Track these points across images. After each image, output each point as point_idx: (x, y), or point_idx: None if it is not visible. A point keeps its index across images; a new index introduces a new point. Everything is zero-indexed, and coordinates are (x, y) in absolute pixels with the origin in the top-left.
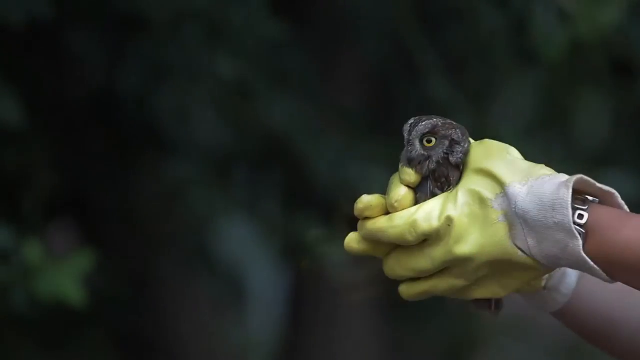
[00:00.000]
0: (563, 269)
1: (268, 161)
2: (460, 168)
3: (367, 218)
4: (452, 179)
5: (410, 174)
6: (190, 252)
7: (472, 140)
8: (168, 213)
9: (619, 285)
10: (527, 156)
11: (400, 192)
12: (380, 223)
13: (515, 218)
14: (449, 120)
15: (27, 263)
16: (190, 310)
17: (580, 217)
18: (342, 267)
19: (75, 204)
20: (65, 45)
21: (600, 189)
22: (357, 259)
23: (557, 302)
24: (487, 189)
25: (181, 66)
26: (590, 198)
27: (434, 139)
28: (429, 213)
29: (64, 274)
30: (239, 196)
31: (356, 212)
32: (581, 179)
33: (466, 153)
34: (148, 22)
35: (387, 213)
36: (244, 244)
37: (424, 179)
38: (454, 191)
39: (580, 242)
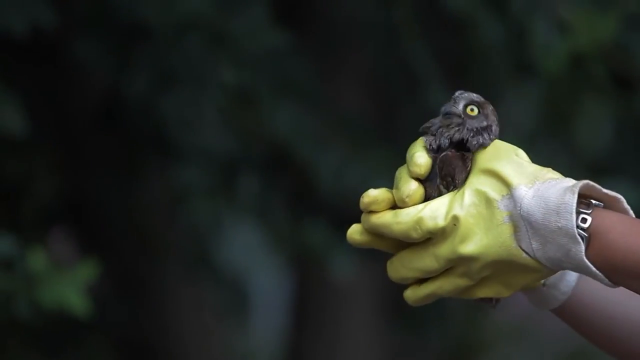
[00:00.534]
0: None
1: (272, 168)
2: (468, 167)
3: (372, 211)
4: (457, 179)
5: (421, 166)
6: (193, 259)
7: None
8: (171, 220)
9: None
10: None
11: (411, 187)
12: (385, 218)
13: (520, 220)
14: (494, 109)
15: (30, 271)
16: (193, 317)
17: (584, 220)
18: (349, 272)
19: (78, 211)
20: (69, 53)
21: (606, 194)
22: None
23: (557, 300)
24: (493, 190)
25: (185, 74)
26: (595, 202)
27: (477, 110)
28: (435, 211)
29: (67, 282)
30: (244, 202)
31: (362, 206)
32: (587, 184)
33: (486, 145)
34: (152, 30)
35: (393, 207)
36: (248, 250)
37: (432, 171)
38: (461, 190)
39: (583, 247)
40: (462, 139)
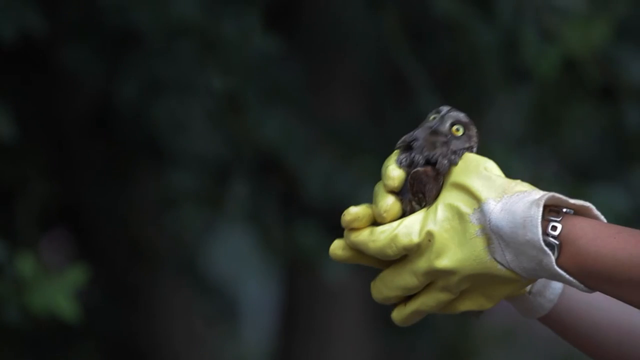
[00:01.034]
0: None
1: (262, 173)
2: (440, 181)
3: (353, 229)
4: (428, 196)
5: (394, 179)
6: (182, 265)
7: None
8: (161, 226)
9: None
10: (517, 171)
11: (387, 201)
12: (362, 236)
13: (491, 233)
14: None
15: (20, 276)
16: (184, 323)
17: (554, 228)
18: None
19: (69, 217)
20: (59, 60)
21: (574, 204)
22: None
23: (544, 307)
24: (465, 204)
25: (175, 80)
26: (566, 210)
27: (462, 131)
28: (409, 228)
29: (57, 287)
30: (234, 206)
31: (343, 224)
32: (552, 196)
33: (456, 164)
34: (142, 36)
35: (375, 223)
36: (237, 257)
37: (405, 185)
38: (434, 205)
39: (552, 258)
40: (417, 180)
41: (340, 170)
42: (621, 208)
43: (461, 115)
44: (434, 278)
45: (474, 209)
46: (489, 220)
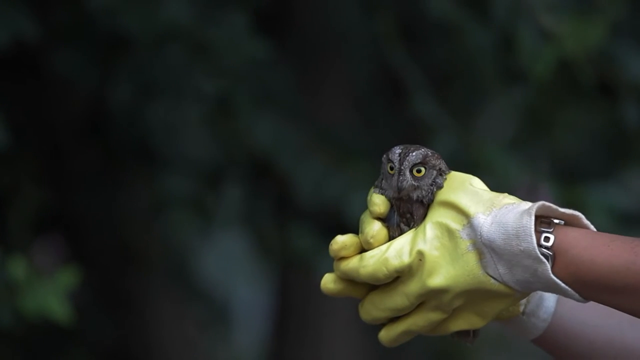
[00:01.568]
0: (540, 293)
1: (255, 177)
2: (425, 204)
3: (342, 258)
4: (416, 215)
5: (379, 204)
6: (174, 270)
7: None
8: (154, 230)
9: (598, 307)
10: (512, 172)
11: (374, 227)
12: (352, 263)
13: (483, 247)
14: (433, 150)
15: (12, 280)
16: (176, 327)
17: (547, 239)
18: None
19: (61, 221)
20: (51, 65)
21: (564, 213)
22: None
23: (538, 328)
24: (453, 221)
25: (166, 84)
26: (556, 220)
27: (423, 169)
28: (399, 250)
29: (49, 290)
30: (227, 211)
31: (331, 253)
32: (543, 205)
33: (441, 188)
34: (133, 41)
35: (362, 250)
36: (230, 260)
37: (391, 210)
38: (422, 225)
39: (548, 266)
40: (421, 200)
41: (333, 173)
42: (616, 207)
43: (412, 157)
44: (427, 298)
45: (463, 224)
46: (480, 235)
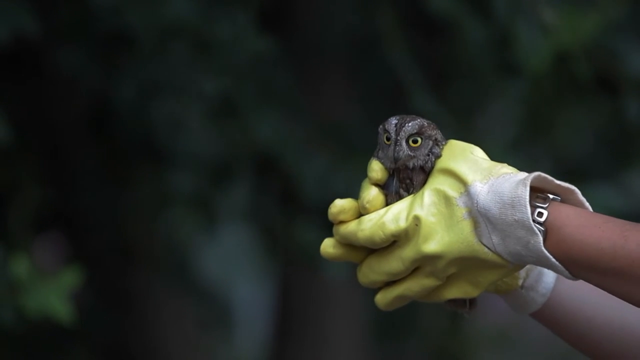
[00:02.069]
0: (539, 268)
1: (259, 174)
2: (426, 171)
3: (341, 222)
4: (415, 181)
5: (377, 170)
6: (176, 269)
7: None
8: (156, 229)
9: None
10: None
11: (371, 193)
12: (351, 227)
13: (478, 216)
14: (429, 121)
15: (14, 279)
16: (177, 327)
17: (540, 215)
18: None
19: (63, 218)
20: (53, 63)
21: (559, 185)
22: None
23: (536, 302)
24: (451, 188)
25: (170, 81)
26: (552, 196)
27: (419, 139)
28: (396, 214)
29: (51, 289)
30: (231, 208)
31: (330, 217)
32: (539, 176)
33: (439, 157)
34: (136, 38)
35: (361, 215)
36: (231, 260)
37: (390, 177)
38: (421, 192)
39: (541, 238)
40: (422, 166)
41: (337, 169)
42: (616, 207)
43: (409, 127)
44: (421, 263)
45: (461, 192)
46: (477, 203)
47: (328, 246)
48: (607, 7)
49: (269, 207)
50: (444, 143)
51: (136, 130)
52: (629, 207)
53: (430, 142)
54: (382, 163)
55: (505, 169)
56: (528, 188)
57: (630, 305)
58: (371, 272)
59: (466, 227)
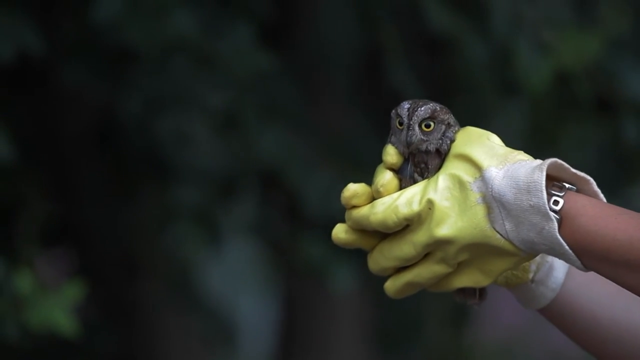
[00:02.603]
0: (550, 263)
1: (263, 189)
2: (441, 155)
3: (354, 207)
4: (430, 165)
5: (392, 154)
6: (180, 282)
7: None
8: (160, 243)
9: (607, 286)
10: None
11: (385, 177)
12: (363, 210)
13: (492, 201)
14: (442, 105)
15: (18, 293)
16: (181, 342)
17: (556, 203)
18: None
19: (68, 232)
20: (58, 78)
21: (575, 174)
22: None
23: (545, 297)
24: (466, 173)
25: (173, 96)
26: (568, 185)
27: (432, 124)
28: (410, 198)
29: (55, 303)
30: (237, 223)
31: (343, 201)
32: (555, 162)
33: (453, 140)
34: (139, 53)
35: (374, 200)
36: (236, 275)
37: (405, 162)
38: (435, 176)
39: (556, 224)
40: (437, 149)
41: (340, 183)
42: None
43: (421, 112)
44: (433, 248)
45: (475, 177)
46: (492, 188)
47: (340, 232)
48: (608, 27)
49: (273, 221)
50: (457, 128)
51: (141, 145)
52: None
53: (443, 127)
54: (396, 148)
55: (522, 155)
56: (544, 173)
57: (638, 308)
58: (382, 257)
59: (479, 212)
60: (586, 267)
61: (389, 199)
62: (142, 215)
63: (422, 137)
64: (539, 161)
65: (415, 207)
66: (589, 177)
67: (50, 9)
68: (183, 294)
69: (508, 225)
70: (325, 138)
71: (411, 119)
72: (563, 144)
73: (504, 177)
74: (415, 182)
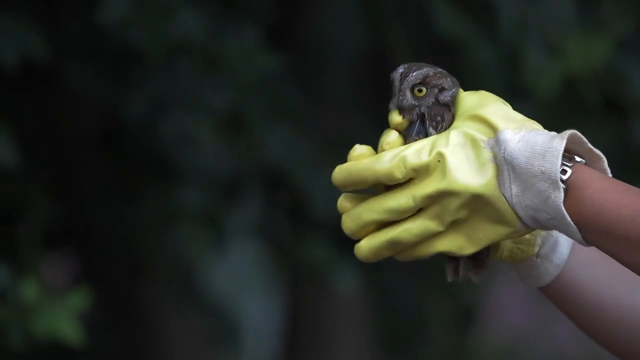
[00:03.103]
0: (554, 238)
1: (269, 190)
2: (450, 109)
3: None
4: (446, 118)
5: (398, 118)
6: (183, 287)
7: (461, 90)
8: (165, 245)
9: (611, 266)
10: None
11: (391, 136)
12: (367, 161)
13: (503, 163)
14: (440, 69)
15: (23, 301)
16: (184, 343)
17: (564, 172)
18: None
19: (72, 234)
20: (62, 80)
21: (591, 149)
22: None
23: (549, 273)
24: (480, 132)
25: (179, 98)
26: (578, 158)
27: (424, 89)
28: (419, 149)
29: (59, 311)
30: (242, 224)
31: (349, 160)
32: (575, 134)
33: (455, 96)
34: (144, 55)
35: None
36: (240, 275)
37: (412, 123)
38: (446, 132)
39: (562, 194)
40: (433, 105)
41: None
42: None
43: (412, 77)
44: (432, 202)
45: (489, 137)
46: (505, 149)
47: (345, 200)
48: (616, 28)
49: (278, 222)
50: (454, 90)
51: (145, 146)
52: None
53: (436, 90)
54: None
55: (538, 125)
56: (564, 142)
57: None
58: (368, 211)
59: (490, 169)
60: (587, 241)
61: (395, 151)
62: (147, 216)
63: (413, 102)
64: (554, 133)
65: (425, 158)
66: (602, 155)
67: (54, 9)
68: (187, 295)
69: (515, 189)
70: (330, 139)
71: (402, 83)
72: None
73: (519, 141)
74: (427, 135)
